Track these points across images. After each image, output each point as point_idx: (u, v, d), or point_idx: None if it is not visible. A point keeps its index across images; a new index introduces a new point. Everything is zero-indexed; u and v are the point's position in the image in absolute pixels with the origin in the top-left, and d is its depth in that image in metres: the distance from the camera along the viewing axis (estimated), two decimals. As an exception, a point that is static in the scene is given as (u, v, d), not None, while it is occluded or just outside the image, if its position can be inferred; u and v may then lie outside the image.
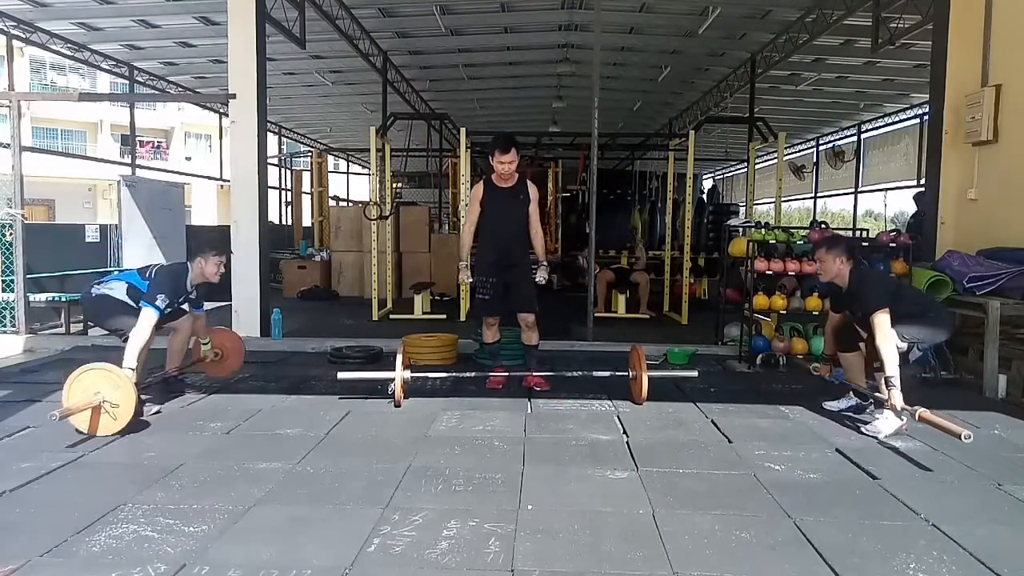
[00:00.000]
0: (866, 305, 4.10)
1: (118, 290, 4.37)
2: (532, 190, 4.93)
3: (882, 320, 3.96)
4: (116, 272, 4.76)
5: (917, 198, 8.81)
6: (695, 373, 4.96)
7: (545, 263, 4.98)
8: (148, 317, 4.12)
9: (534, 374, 4.99)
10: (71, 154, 24.80)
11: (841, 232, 6.88)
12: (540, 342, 5.11)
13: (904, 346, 4.07)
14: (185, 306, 4.62)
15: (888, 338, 3.93)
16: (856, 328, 4.33)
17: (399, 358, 4.51)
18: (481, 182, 4.97)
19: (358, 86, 13.57)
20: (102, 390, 3.74)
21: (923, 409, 3.62)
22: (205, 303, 4.80)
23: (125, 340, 4.12)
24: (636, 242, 10.44)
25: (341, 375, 4.72)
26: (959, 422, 3.38)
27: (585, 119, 7.76)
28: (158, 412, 4.27)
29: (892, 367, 3.87)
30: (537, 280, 4.92)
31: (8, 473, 3.22)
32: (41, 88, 28.35)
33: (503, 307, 4.96)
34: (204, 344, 4.93)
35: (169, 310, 4.39)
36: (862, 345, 4.35)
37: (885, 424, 3.97)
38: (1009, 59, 5.58)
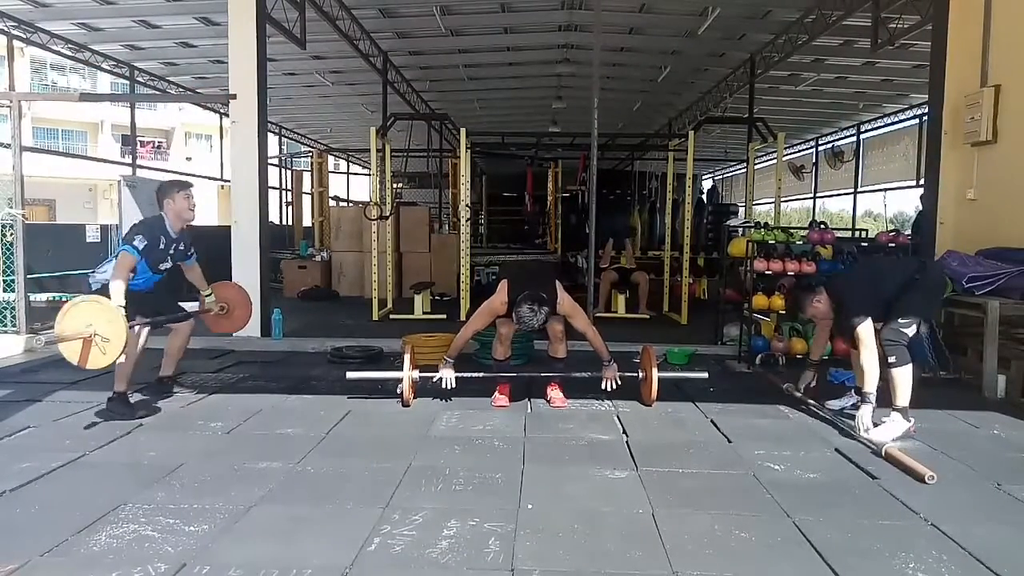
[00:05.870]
0: (844, 324, 4.05)
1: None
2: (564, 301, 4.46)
3: (864, 334, 3.92)
4: (108, 257, 4.53)
5: (923, 198, 8.81)
6: (705, 375, 4.90)
7: (612, 361, 4.58)
8: (124, 258, 4.05)
9: (554, 389, 4.72)
10: (72, 154, 24.81)
11: (840, 232, 6.88)
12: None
13: (913, 329, 4.01)
14: (167, 263, 4.45)
15: (871, 352, 3.91)
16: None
17: (407, 358, 4.50)
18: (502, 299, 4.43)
19: (358, 86, 13.56)
20: (94, 323, 3.69)
21: (891, 446, 3.59)
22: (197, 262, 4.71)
23: (133, 327, 4.01)
24: (631, 241, 10.39)
25: (350, 375, 4.71)
26: (922, 465, 3.26)
27: (585, 119, 7.76)
28: (144, 415, 4.21)
29: (871, 383, 3.90)
30: (609, 380, 4.57)
31: (8, 473, 3.22)
32: (42, 88, 28.38)
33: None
34: (206, 296, 4.84)
35: (163, 265, 4.36)
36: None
37: (891, 428, 3.87)
38: (1008, 59, 5.58)
